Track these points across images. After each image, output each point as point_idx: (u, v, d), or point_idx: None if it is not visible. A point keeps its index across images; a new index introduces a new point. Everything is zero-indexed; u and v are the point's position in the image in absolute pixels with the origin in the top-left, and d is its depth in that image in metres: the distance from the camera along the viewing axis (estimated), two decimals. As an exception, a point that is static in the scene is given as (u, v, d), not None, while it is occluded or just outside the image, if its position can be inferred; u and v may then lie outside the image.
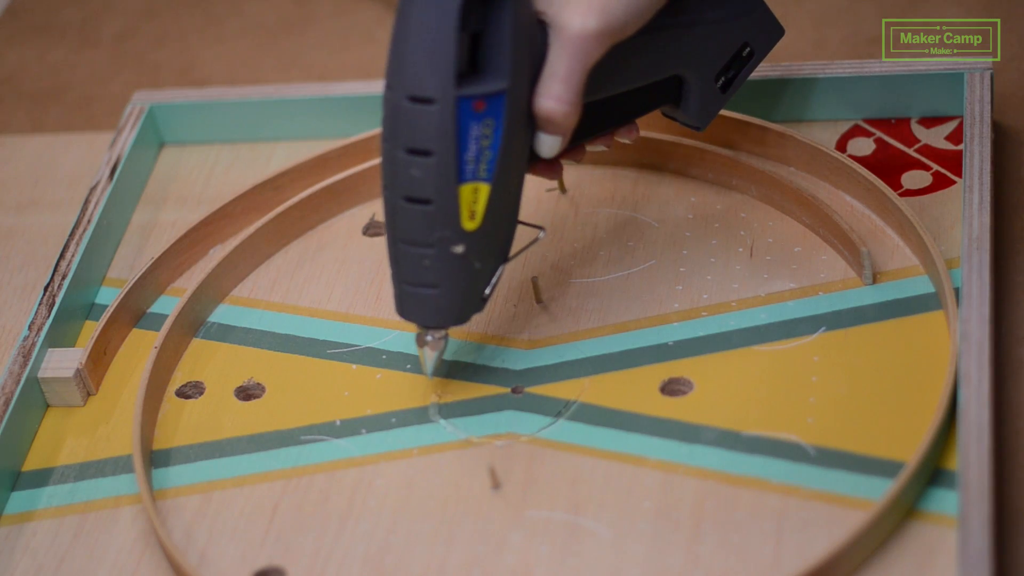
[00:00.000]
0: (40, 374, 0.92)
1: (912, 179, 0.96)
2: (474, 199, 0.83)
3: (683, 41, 0.88)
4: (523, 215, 0.88)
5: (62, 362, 0.93)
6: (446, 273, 0.85)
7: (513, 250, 0.88)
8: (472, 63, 0.82)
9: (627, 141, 0.92)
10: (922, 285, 0.90)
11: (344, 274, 0.98)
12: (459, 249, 0.84)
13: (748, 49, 0.91)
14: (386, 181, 0.84)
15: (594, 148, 0.91)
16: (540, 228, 0.90)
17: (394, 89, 0.82)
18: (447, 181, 0.83)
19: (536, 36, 0.83)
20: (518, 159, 0.85)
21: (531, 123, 0.85)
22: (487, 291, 0.87)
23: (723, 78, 0.91)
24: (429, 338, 0.88)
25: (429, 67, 0.81)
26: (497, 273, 0.87)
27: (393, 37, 0.82)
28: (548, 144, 0.85)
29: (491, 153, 0.83)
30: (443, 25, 0.80)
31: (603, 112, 0.88)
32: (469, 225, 0.84)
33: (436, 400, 0.90)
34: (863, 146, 0.99)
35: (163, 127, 1.07)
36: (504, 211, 0.86)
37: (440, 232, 0.84)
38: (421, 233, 0.84)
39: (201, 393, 0.93)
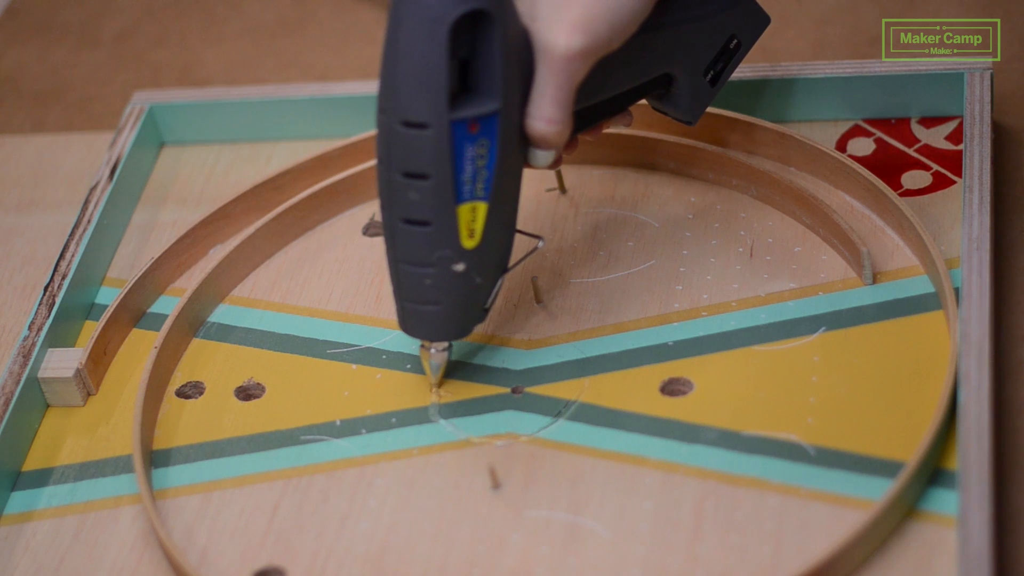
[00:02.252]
0: (40, 374, 0.92)
1: (912, 179, 0.96)
2: (472, 218, 0.84)
3: (670, 41, 0.88)
4: (524, 216, 0.89)
5: (62, 362, 0.93)
6: (447, 290, 0.85)
7: (512, 260, 0.88)
8: (463, 83, 0.82)
9: (622, 128, 0.92)
10: (922, 285, 0.90)
11: (344, 274, 0.98)
12: (460, 267, 0.84)
13: (735, 41, 0.91)
14: (384, 202, 0.84)
15: (586, 138, 0.92)
16: (539, 238, 0.90)
17: (387, 113, 0.82)
18: (445, 203, 0.83)
19: (525, 53, 0.83)
20: (514, 173, 0.85)
21: (524, 137, 0.85)
22: (488, 303, 0.87)
23: (712, 72, 0.91)
24: (433, 350, 0.88)
25: (421, 93, 0.81)
26: (497, 284, 0.87)
27: (383, 61, 0.82)
28: (542, 158, 0.86)
29: (487, 172, 0.83)
30: (433, 52, 0.80)
31: (593, 110, 0.88)
32: (468, 243, 0.84)
33: (436, 400, 0.90)
34: (863, 146, 0.99)
35: (163, 127, 1.07)
36: (502, 225, 0.86)
37: (440, 252, 0.84)
38: (421, 253, 0.84)
39: (201, 393, 0.93)
